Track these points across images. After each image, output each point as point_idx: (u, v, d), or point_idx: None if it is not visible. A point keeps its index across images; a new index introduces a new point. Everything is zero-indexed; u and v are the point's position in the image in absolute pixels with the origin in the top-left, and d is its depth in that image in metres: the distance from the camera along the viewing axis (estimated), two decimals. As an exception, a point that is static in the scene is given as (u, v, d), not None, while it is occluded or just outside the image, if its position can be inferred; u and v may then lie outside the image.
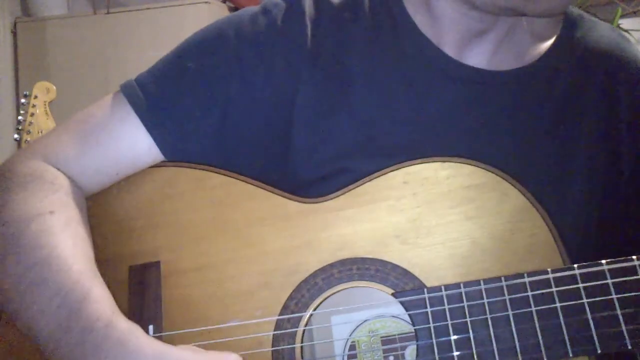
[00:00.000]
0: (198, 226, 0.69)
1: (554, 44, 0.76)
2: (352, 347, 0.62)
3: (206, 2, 2.20)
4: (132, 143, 0.75)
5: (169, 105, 0.75)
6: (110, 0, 2.34)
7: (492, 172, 0.64)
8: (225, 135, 0.74)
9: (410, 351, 0.62)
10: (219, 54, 0.75)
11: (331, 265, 0.64)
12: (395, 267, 0.63)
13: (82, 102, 0.91)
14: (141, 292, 0.68)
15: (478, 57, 0.74)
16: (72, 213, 0.69)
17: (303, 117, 0.73)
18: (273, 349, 0.63)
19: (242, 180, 0.70)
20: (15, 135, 1.75)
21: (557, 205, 0.70)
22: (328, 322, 0.63)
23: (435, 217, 0.64)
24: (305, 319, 0.63)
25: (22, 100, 1.79)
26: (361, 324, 0.62)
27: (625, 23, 1.75)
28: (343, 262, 0.64)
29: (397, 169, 0.65)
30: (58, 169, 0.74)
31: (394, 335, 0.62)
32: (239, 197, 0.69)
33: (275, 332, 0.63)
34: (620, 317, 0.58)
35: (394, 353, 0.62)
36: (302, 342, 0.62)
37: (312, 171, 0.72)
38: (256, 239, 0.67)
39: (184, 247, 0.69)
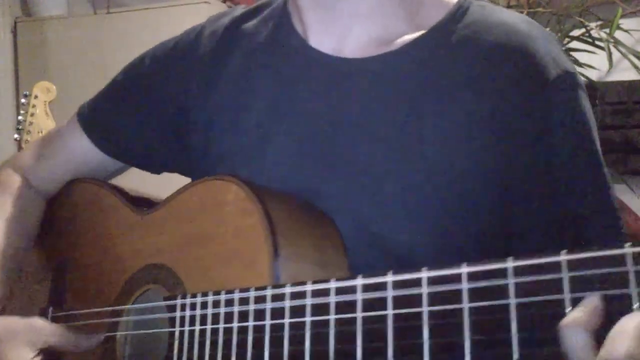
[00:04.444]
0: (87, 231, 0.89)
1: (429, 31, 0.72)
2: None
3: (206, 2, 2.20)
4: (78, 147, 0.91)
5: (102, 112, 0.91)
6: (111, 0, 2.34)
7: (240, 188, 0.68)
8: (150, 139, 0.88)
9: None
10: (137, 69, 0.90)
11: (143, 268, 0.77)
12: (174, 273, 0.73)
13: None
14: (56, 280, 0.89)
15: (339, 43, 0.75)
16: (10, 211, 0.87)
17: (196, 116, 0.83)
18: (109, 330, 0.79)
19: (111, 192, 0.88)
20: (16, 135, 1.75)
21: (398, 201, 0.68)
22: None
23: (196, 230, 0.72)
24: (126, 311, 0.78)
25: (22, 100, 1.79)
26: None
27: (625, 23, 1.75)
28: (146, 267, 0.77)
29: (193, 186, 0.76)
30: (24, 176, 0.92)
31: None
32: (109, 209, 0.86)
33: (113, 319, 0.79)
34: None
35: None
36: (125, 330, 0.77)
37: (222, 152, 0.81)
38: (108, 243, 0.85)
39: (80, 247, 0.89)
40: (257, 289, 0.59)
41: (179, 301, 0.68)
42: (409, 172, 0.69)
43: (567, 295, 0.41)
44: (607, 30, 1.71)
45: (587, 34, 1.77)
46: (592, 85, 1.89)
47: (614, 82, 1.95)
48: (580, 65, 1.81)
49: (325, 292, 0.54)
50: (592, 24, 1.76)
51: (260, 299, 0.58)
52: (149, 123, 0.88)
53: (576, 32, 1.80)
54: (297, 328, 0.55)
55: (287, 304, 0.56)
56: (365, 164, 0.70)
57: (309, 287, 0.55)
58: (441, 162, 0.69)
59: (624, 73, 1.88)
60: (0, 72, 2.37)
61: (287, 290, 0.56)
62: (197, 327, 0.65)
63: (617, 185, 1.87)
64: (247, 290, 0.60)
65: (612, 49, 1.69)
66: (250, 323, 0.59)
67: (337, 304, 0.52)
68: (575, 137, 0.70)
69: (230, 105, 0.80)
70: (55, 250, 0.91)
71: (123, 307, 0.78)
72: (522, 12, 1.80)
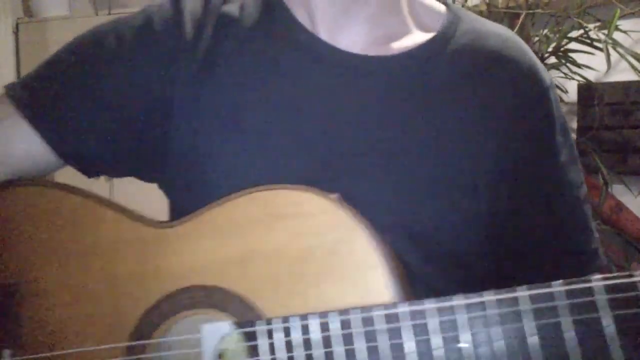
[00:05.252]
0: (55, 248, 0.68)
1: (433, 37, 0.74)
2: (220, 356, 0.61)
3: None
4: (16, 144, 0.73)
5: (50, 98, 0.74)
6: (112, 1, 2.35)
7: (327, 200, 0.62)
8: (111, 132, 0.74)
9: None
10: (95, 48, 0.75)
11: (175, 293, 0.64)
12: (236, 296, 0.62)
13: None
14: (1, 313, 0.66)
15: (350, 41, 0.74)
16: None
17: (182, 104, 0.73)
18: None
19: (98, 203, 0.69)
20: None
21: (414, 203, 0.69)
22: (197, 331, 0.62)
23: (266, 245, 0.63)
24: (153, 346, 0.63)
25: (24, 101, 1.80)
26: (229, 333, 0.61)
27: (623, 24, 1.76)
28: (186, 290, 0.63)
29: (240, 197, 0.65)
30: None
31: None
32: (94, 220, 0.68)
33: (128, 358, 0.63)
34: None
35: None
36: None
37: (187, 150, 0.73)
38: (105, 264, 0.67)
39: (43, 268, 0.68)
40: (386, 307, 0.57)
41: (278, 325, 0.59)
42: (428, 168, 0.70)
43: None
44: (606, 32, 1.72)
45: (585, 35, 1.78)
46: (590, 86, 1.90)
47: (612, 83, 1.95)
48: (579, 66, 1.82)
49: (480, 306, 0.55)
50: (591, 25, 1.77)
51: (391, 318, 0.57)
52: (116, 116, 0.74)
53: (574, 33, 1.80)
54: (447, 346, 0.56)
55: (431, 321, 0.56)
56: (390, 163, 0.70)
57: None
58: (451, 159, 0.71)
59: (622, 74, 1.89)
60: (2, 72, 2.38)
61: (428, 306, 0.56)
62: (309, 352, 0.58)
63: (616, 186, 1.88)
64: (371, 309, 0.57)
65: (610, 50, 1.70)
66: (381, 343, 0.56)
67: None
68: (567, 136, 0.76)
69: (227, 100, 0.73)
70: None
71: (152, 341, 0.62)
72: (520, 13, 1.81)
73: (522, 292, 0.55)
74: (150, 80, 0.74)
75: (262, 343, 0.59)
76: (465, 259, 0.71)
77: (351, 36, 0.74)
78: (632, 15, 1.81)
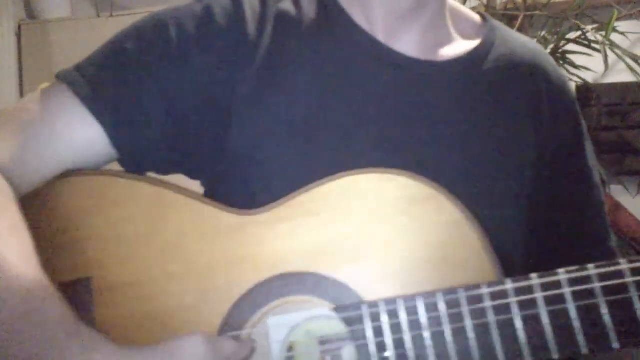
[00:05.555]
0: (129, 239, 0.64)
1: (477, 46, 0.79)
2: (290, 349, 0.61)
3: (208, 5, 2.22)
4: (76, 135, 0.69)
5: (111, 87, 0.70)
6: (114, 3, 2.37)
7: (427, 185, 0.63)
8: (170, 126, 0.72)
9: (348, 351, 0.61)
10: (157, 39, 0.72)
11: (268, 281, 0.62)
12: (333, 281, 0.61)
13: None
14: (77, 307, 0.60)
15: (406, 45, 0.76)
16: (15, 219, 0.62)
17: (242, 102, 0.72)
18: None
19: (174, 191, 0.66)
20: (20, 136, 1.76)
21: (481, 202, 0.71)
22: (264, 325, 0.62)
23: (371, 230, 0.62)
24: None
25: (27, 102, 1.81)
26: (297, 325, 0.61)
27: (621, 26, 1.77)
28: (280, 277, 0.62)
29: (331, 181, 0.64)
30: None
31: (331, 335, 0.61)
32: (170, 209, 0.65)
33: None
34: (575, 325, 0.58)
35: (331, 353, 0.62)
36: None
37: (247, 148, 0.71)
38: (190, 253, 0.63)
39: (115, 261, 0.64)
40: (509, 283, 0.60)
41: (383, 307, 0.59)
42: (483, 162, 0.75)
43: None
44: (603, 33, 1.73)
45: (583, 37, 1.79)
46: (588, 87, 1.92)
47: (610, 84, 1.97)
48: (577, 67, 1.84)
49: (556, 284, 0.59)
50: (588, 27, 1.78)
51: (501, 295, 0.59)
52: (176, 110, 0.71)
53: (572, 35, 1.81)
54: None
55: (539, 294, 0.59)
56: (453, 161, 0.73)
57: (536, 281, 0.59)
58: (502, 155, 0.75)
59: (620, 75, 1.90)
60: (4, 74, 2.39)
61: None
62: (423, 332, 0.59)
63: (613, 186, 1.90)
64: (496, 284, 0.59)
65: (608, 51, 1.71)
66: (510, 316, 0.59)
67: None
68: (590, 142, 0.85)
69: (292, 101, 0.72)
70: (60, 269, 0.64)
71: (226, 335, 0.60)
72: (518, 15, 1.82)
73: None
74: (212, 76, 0.72)
75: (367, 327, 0.59)
76: (505, 249, 0.74)
77: (405, 42, 0.77)
78: (629, 17, 1.82)
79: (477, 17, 0.85)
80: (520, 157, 0.76)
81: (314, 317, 0.61)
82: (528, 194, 0.76)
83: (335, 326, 0.61)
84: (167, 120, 0.71)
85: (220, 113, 0.72)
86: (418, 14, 0.76)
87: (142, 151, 0.72)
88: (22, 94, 2.42)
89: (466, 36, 0.81)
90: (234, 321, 0.62)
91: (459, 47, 0.79)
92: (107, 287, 0.64)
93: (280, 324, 0.61)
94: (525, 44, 0.82)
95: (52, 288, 0.57)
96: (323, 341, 0.61)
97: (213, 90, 0.72)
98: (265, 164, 0.71)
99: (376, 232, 0.63)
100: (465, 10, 0.85)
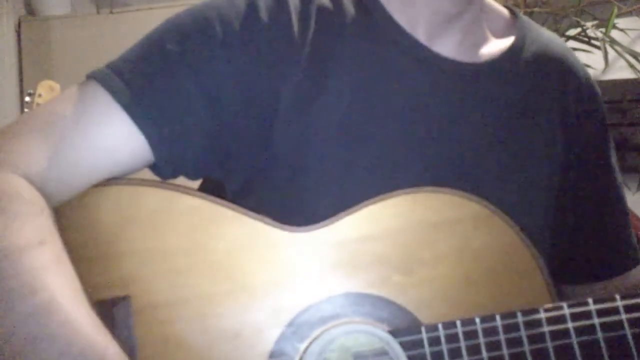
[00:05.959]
0: (170, 254, 0.60)
1: (512, 45, 0.79)
2: None
3: (208, 2, 2.22)
4: (115, 142, 0.64)
5: (153, 92, 0.65)
6: (114, 0, 2.37)
7: (481, 205, 0.63)
8: (214, 129, 0.68)
9: None
10: (202, 37, 0.67)
11: (323, 301, 0.60)
12: (390, 303, 0.60)
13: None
14: (110, 331, 0.54)
15: (446, 47, 0.76)
16: (59, 243, 0.57)
17: (288, 103, 0.69)
18: None
19: (218, 204, 0.62)
20: (20, 133, 1.77)
21: (517, 208, 0.70)
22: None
23: (427, 251, 0.61)
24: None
25: (27, 99, 1.81)
26: (332, 341, 0.60)
27: (620, 22, 1.77)
28: (334, 298, 0.60)
29: (384, 200, 0.62)
30: (30, 182, 0.60)
31: (366, 351, 0.60)
32: (215, 222, 0.61)
33: None
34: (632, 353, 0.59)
35: None
36: None
37: (291, 150, 0.69)
38: (238, 271, 0.60)
39: (156, 278, 0.59)
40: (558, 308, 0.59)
41: (440, 332, 0.58)
42: (523, 167, 0.75)
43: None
44: (603, 30, 1.73)
45: (583, 34, 1.79)
46: (588, 84, 1.91)
47: (610, 81, 1.96)
48: (577, 64, 1.83)
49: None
50: (588, 24, 1.78)
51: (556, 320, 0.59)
52: (218, 112, 0.67)
53: (572, 32, 1.81)
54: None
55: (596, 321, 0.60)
56: (499, 165, 0.74)
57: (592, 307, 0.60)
58: (536, 157, 0.76)
59: (620, 72, 1.89)
60: (4, 70, 2.39)
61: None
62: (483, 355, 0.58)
63: (613, 183, 1.89)
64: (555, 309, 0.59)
65: (608, 48, 1.71)
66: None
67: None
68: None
69: (338, 102, 0.70)
70: (94, 284, 0.58)
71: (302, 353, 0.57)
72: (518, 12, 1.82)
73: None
74: (257, 76, 0.68)
75: (423, 352, 0.58)
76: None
77: (446, 43, 0.76)
78: (629, 13, 1.82)
79: (506, 12, 0.84)
80: (551, 163, 0.77)
81: (347, 332, 0.60)
82: (555, 198, 0.77)
83: (371, 341, 0.59)
84: (212, 126, 0.67)
85: (264, 114, 0.69)
86: (461, 15, 0.76)
87: (182, 159, 0.67)
88: (22, 90, 2.43)
89: (498, 34, 0.81)
90: (286, 344, 0.59)
91: (493, 46, 0.79)
92: (147, 305, 0.59)
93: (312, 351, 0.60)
94: (552, 40, 0.82)
95: (104, 343, 0.52)
96: (358, 356, 0.59)
97: (258, 91, 0.68)
98: (306, 170, 0.68)
99: (430, 253, 0.62)
100: (496, 5, 0.84)
